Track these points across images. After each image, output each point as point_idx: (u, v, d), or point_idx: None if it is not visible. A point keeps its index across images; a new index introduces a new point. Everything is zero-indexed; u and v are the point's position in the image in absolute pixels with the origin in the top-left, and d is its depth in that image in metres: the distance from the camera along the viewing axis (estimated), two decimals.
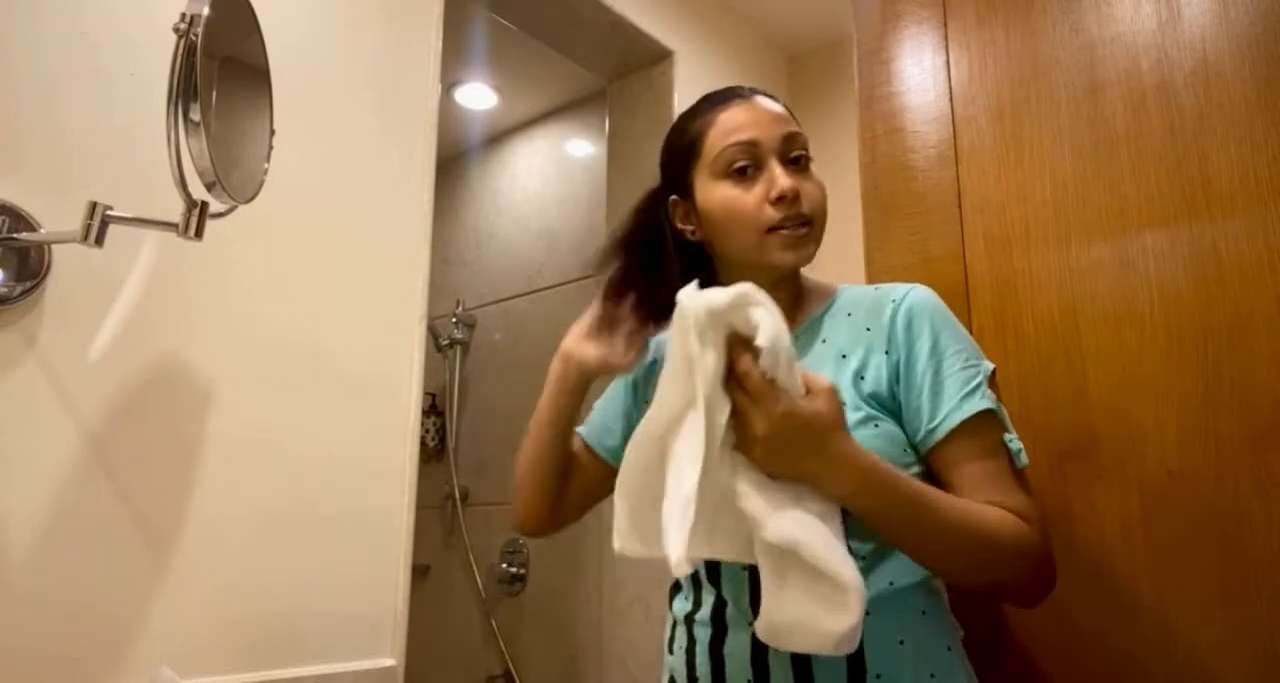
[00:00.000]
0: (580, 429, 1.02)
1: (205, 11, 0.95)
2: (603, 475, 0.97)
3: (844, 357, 0.85)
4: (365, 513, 1.38)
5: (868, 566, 0.78)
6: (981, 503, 0.76)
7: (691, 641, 0.84)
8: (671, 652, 0.88)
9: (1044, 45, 1.11)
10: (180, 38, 0.94)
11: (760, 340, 0.65)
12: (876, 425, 0.80)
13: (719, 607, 0.83)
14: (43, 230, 1.06)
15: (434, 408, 2.87)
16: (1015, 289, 1.07)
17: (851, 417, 0.78)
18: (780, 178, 0.84)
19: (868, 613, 0.76)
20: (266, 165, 1.14)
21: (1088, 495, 0.98)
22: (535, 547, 2.56)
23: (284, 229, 1.34)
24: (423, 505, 1.51)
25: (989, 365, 0.83)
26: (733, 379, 0.68)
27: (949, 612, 0.83)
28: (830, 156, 2.25)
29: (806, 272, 0.94)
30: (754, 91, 0.91)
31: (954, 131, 1.16)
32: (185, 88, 0.93)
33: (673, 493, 0.66)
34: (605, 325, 0.92)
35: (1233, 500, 0.89)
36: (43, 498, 1.05)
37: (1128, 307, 0.99)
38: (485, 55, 2.58)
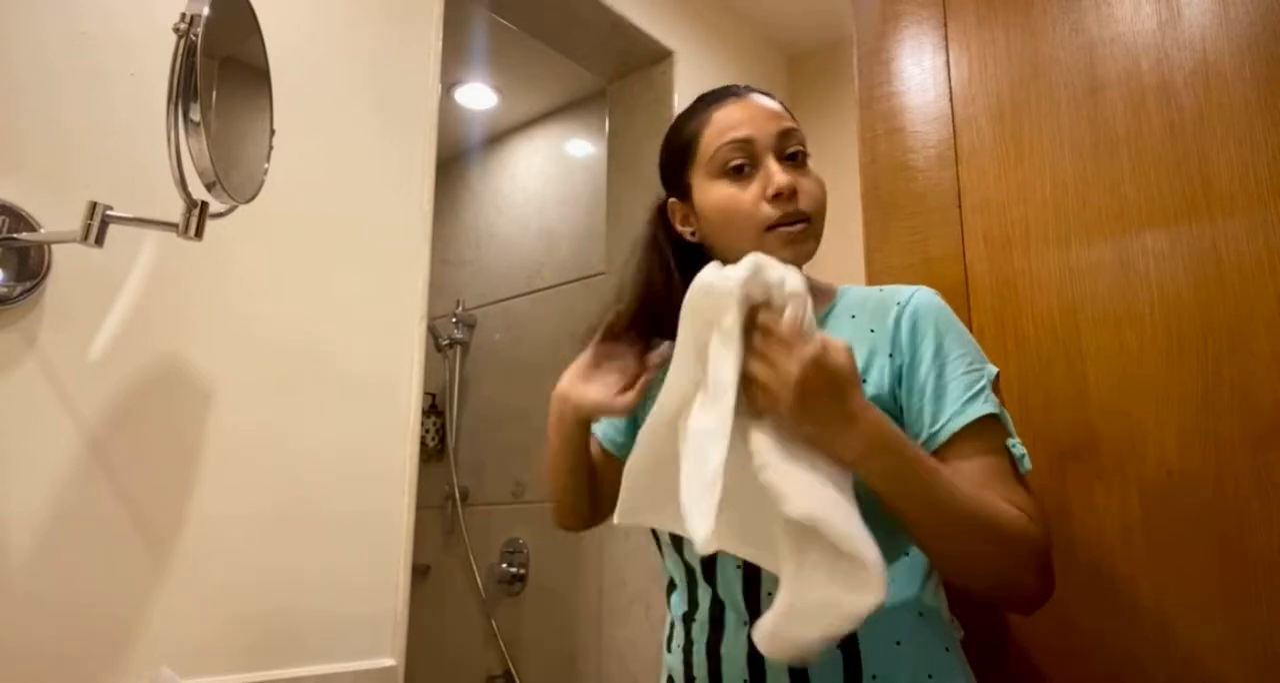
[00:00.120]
0: (595, 429, 1.02)
1: (205, 11, 0.95)
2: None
3: None
4: (365, 513, 1.38)
5: None
6: None
7: (689, 640, 0.85)
8: (670, 651, 0.88)
9: (1044, 45, 1.11)
10: (180, 38, 0.94)
11: (789, 288, 0.67)
12: None
13: (716, 607, 0.83)
14: (43, 230, 1.06)
15: (434, 408, 2.87)
16: (1015, 289, 1.07)
17: None
18: (776, 175, 0.84)
19: None
20: (266, 165, 1.14)
21: (1088, 495, 0.98)
22: (535, 547, 2.56)
23: (284, 229, 1.34)
24: (423, 506, 1.51)
25: (993, 370, 0.82)
26: (751, 342, 0.68)
27: (948, 613, 0.83)
28: (830, 156, 2.25)
29: (807, 270, 0.94)
30: (749, 89, 0.91)
31: (954, 131, 1.16)
32: (185, 88, 0.93)
33: (695, 469, 0.65)
34: (601, 363, 0.90)
35: (1233, 500, 0.89)
36: (43, 498, 1.05)
37: (1128, 307, 0.99)
38: (485, 55, 2.58)
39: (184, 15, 0.95)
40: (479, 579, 2.62)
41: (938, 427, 0.78)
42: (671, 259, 0.91)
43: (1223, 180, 0.96)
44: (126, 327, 1.14)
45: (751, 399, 0.68)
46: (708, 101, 0.91)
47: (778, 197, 0.83)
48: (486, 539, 2.66)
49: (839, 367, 0.67)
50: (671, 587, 0.91)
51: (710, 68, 2.33)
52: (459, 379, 2.89)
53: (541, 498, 2.54)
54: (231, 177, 1.01)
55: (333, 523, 1.33)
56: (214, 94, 0.98)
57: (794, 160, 0.87)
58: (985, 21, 1.17)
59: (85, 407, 1.10)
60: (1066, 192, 1.06)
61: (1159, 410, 0.95)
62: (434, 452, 2.82)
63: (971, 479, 0.76)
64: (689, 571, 0.86)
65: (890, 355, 0.82)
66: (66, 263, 1.09)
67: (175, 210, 1.00)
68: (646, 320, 0.91)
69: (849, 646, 0.76)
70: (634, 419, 0.97)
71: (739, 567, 0.80)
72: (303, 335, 1.35)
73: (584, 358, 0.91)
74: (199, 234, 1.00)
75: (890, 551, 0.75)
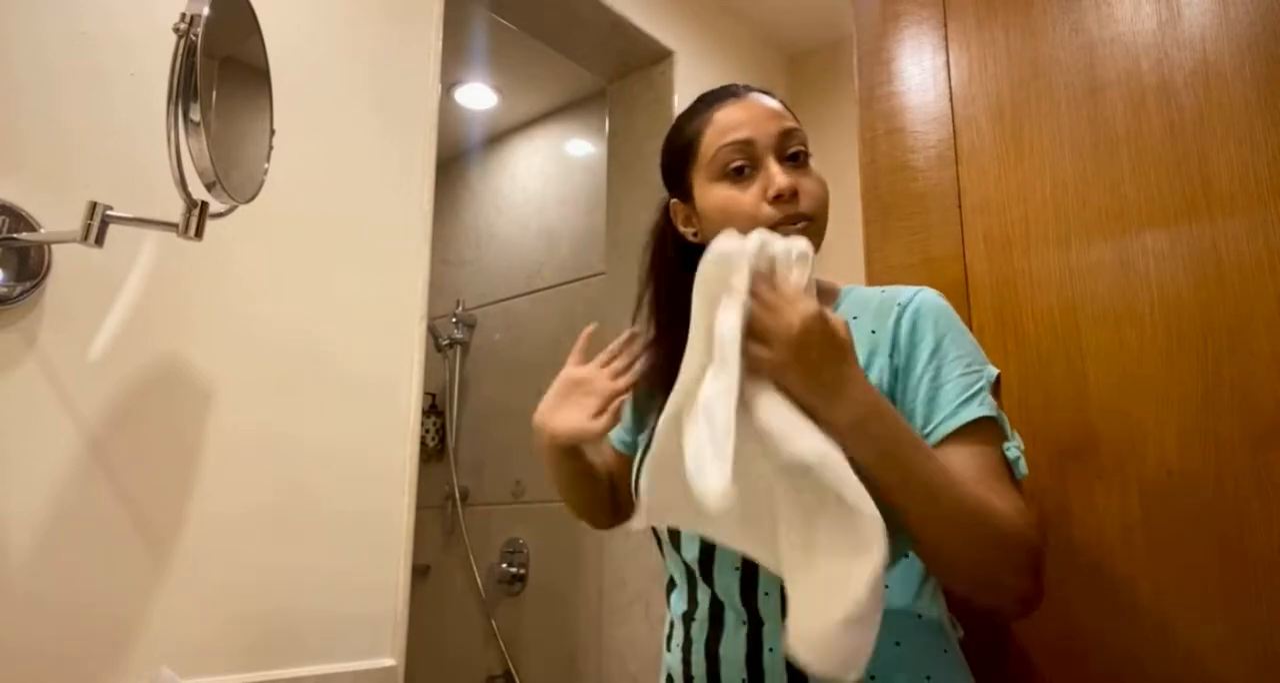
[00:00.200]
0: (622, 434, 1.03)
1: (205, 11, 0.95)
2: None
3: None
4: (365, 513, 1.38)
5: None
6: None
7: (688, 640, 0.85)
8: (669, 650, 0.88)
9: (1044, 45, 1.11)
10: (180, 38, 0.94)
11: (796, 253, 0.69)
12: None
13: (715, 606, 0.83)
14: (43, 230, 1.06)
15: (434, 408, 2.87)
16: (1015, 289, 1.07)
17: None
18: (777, 176, 0.83)
19: None
20: (266, 165, 1.14)
21: (1088, 495, 0.98)
22: (535, 547, 2.56)
23: (284, 229, 1.34)
24: (423, 505, 1.51)
25: (992, 371, 0.81)
26: (757, 299, 0.68)
27: (947, 614, 0.83)
28: (830, 156, 2.25)
29: None
30: (749, 89, 0.91)
31: (954, 131, 1.16)
32: (185, 88, 0.93)
33: (704, 428, 0.64)
34: (572, 389, 0.91)
35: (1233, 500, 0.89)
36: (43, 498, 1.05)
37: (1128, 306, 0.99)
38: (485, 55, 2.58)
39: (184, 15, 0.95)
40: (479, 579, 2.62)
41: (930, 428, 0.77)
42: (676, 259, 0.92)
43: (1223, 180, 0.96)
44: (126, 327, 1.14)
45: (751, 355, 0.68)
46: (708, 102, 0.90)
47: (778, 198, 0.83)
48: (486, 539, 2.66)
49: (839, 331, 0.69)
50: (671, 586, 0.91)
51: (710, 68, 2.33)
52: (459, 379, 2.89)
53: (541, 498, 2.54)
54: (231, 177, 1.01)
55: (333, 523, 1.33)
56: (214, 94, 0.98)
57: (795, 161, 0.86)
58: (985, 22, 1.17)
59: (85, 407, 1.10)
60: (1066, 192, 1.06)
61: (1159, 410, 0.95)
62: (434, 452, 2.82)
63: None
64: (688, 570, 0.86)
65: (890, 356, 0.82)
66: (66, 263, 1.09)
67: (175, 210, 1.00)
68: (658, 320, 0.91)
69: None
70: (642, 419, 0.97)
71: (737, 568, 0.80)
72: (303, 335, 1.35)
73: (555, 386, 0.93)
74: (199, 234, 1.00)
75: (892, 550, 0.75)
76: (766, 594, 0.79)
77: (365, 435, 1.41)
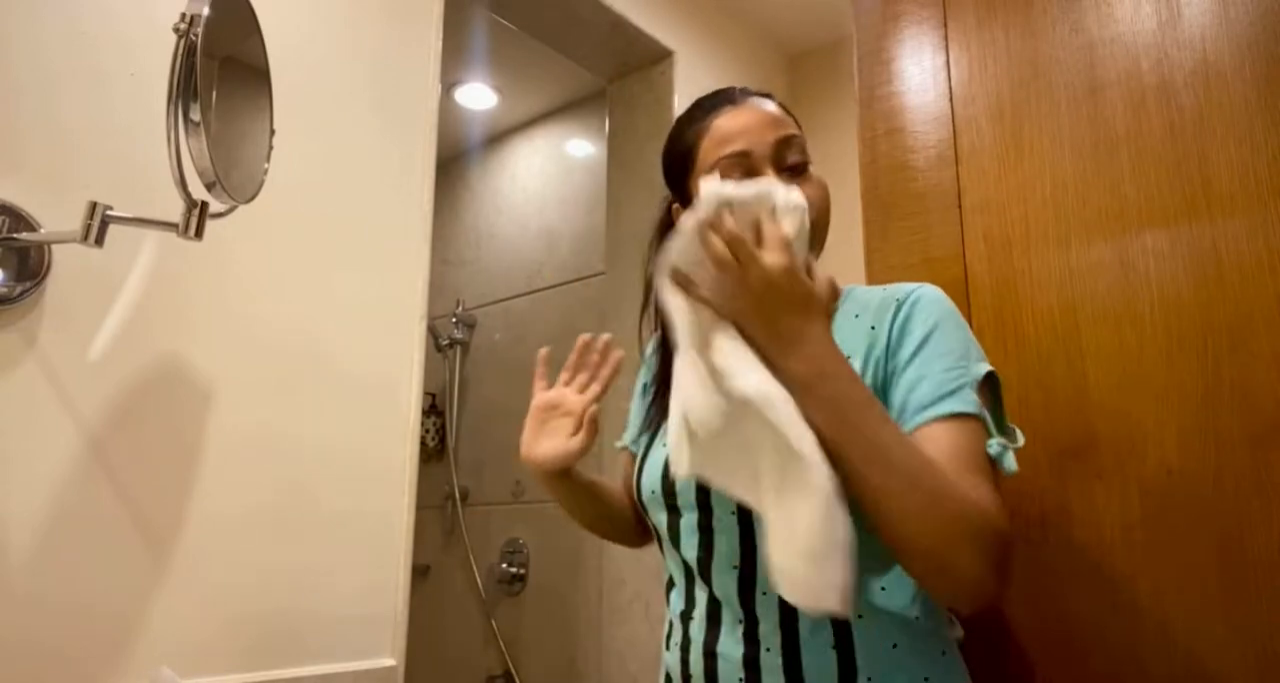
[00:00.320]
0: (621, 441, 1.04)
1: (205, 11, 0.95)
2: None
3: (849, 358, 0.83)
4: (365, 513, 1.38)
5: (863, 567, 0.77)
6: None
7: (686, 639, 0.85)
8: (668, 649, 0.88)
9: (1044, 45, 1.11)
10: (180, 38, 0.94)
11: (783, 204, 0.72)
12: None
13: (713, 606, 0.83)
14: (43, 230, 1.06)
15: (434, 408, 2.87)
16: (1015, 289, 1.07)
17: None
18: None
19: (860, 616, 0.76)
20: (266, 165, 1.14)
21: (1088, 495, 0.98)
22: (535, 547, 2.56)
23: (284, 229, 1.34)
24: (423, 505, 1.51)
25: (981, 369, 0.78)
26: (732, 247, 0.71)
27: (946, 614, 0.83)
28: (830, 156, 2.25)
29: None
30: (746, 93, 0.89)
31: (954, 131, 1.16)
32: (185, 88, 0.93)
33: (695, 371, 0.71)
34: (546, 417, 0.94)
35: (1233, 500, 0.89)
36: (43, 498, 1.05)
37: (1128, 306, 0.99)
38: (485, 55, 2.58)
39: (184, 15, 0.95)
40: (479, 579, 2.62)
41: (907, 419, 0.76)
42: None
43: (1223, 180, 0.96)
44: (126, 327, 1.14)
45: (720, 302, 0.72)
46: (705, 109, 0.89)
47: None
48: (486, 539, 2.66)
49: (804, 286, 0.71)
50: (670, 585, 0.91)
51: (710, 68, 2.33)
52: (459, 379, 2.89)
53: (541, 498, 2.54)
54: (231, 177, 1.01)
55: (333, 523, 1.33)
56: (214, 94, 0.98)
57: (794, 171, 0.84)
58: (985, 22, 1.17)
59: (85, 407, 1.10)
60: (1066, 192, 1.06)
61: (1159, 410, 0.95)
62: (434, 452, 2.82)
63: None
64: (687, 569, 0.86)
65: (885, 350, 0.81)
66: (66, 263, 1.09)
67: (175, 210, 1.00)
68: (665, 319, 0.92)
69: (844, 648, 0.76)
70: (647, 417, 0.97)
71: (735, 566, 0.80)
72: (303, 335, 1.35)
73: (529, 417, 0.95)
74: (199, 234, 1.00)
75: (887, 553, 0.74)
76: (764, 594, 0.79)
77: (365, 435, 1.41)
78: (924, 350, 0.79)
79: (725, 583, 0.81)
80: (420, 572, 2.74)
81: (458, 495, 2.71)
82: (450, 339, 2.90)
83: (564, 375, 0.97)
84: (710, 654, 0.81)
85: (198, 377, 1.21)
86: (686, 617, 0.86)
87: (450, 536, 2.73)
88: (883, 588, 0.77)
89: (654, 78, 2.27)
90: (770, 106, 0.88)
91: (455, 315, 2.93)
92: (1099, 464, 0.98)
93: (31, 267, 1.07)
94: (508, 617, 2.55)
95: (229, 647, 1.19)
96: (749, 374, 0.70)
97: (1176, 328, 0.96)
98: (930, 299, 0.83)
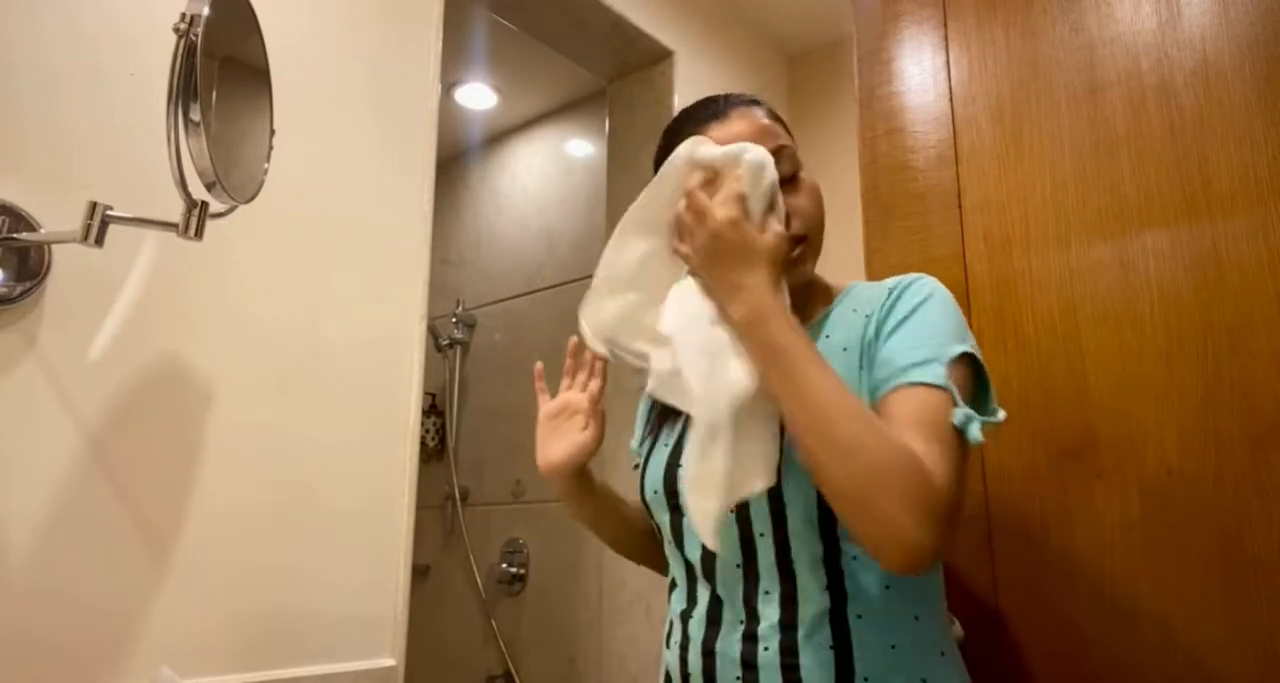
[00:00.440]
0: (631, 444, 1.04)
1: (205, 11, 0.95)
2: None
3: (845, 350, 0.82)
4: (365, 513, 1.38)
5: (862, 568, 0.77)
6: None
7: (686, 638, 0.85)
8: (668, 648, 0.88)
9: (1044, 45, 1.11)
10: (180, 38, 0.94)
11: (744, 161, 0.76)
12: None
13: (714, 605, 0.83)
14: (43, 230, 1.06)
15: (434, 408, 2.87)
16: (1015, 289, 1.07)
17: None
18: None
19: (859, 616, 0.76)
20: (266, 165, 1.14)
21: (1088, 495, 0.98)
22: (535, 547, 2.56)
23: (284, 229, 1.34)
24: (423, 505, 1.51)
25: (956, 349, 0.76)
26: (690, 201, 0.78)
27: (945, 615, 0.83)
28: (830, 157, 2.26)
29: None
30: (732, 103, 0.86)
31: (954, 131, 1.16)
32: (185, 88, 0.93)
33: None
34: (556, 422, 0.95)
35: (1233, 500, 0.90)
36: (43, 498, 1.05)
37: (1128, 306, 0.99)
38: (485, 55, 2.58)
39: (184, 15, 0.94)
40: (479, 579, 2.62)
41: (877, 394, 0.76)
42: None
43: (1223, 180, 0.96)
44: (126, 327, 1.14)
45: (680, 253, 0.79)
46: (693, 121, 0.87)
47: None
48: (486, 539, 2.66)
49: (757, 239, 0.75)
50: (673, 586, 0.91)
51: (710, 68, 2.33)
52: (459, 379, 2.89)
53: (541, 498, 2.54)
54: (231, 177, 1.01)
55: (333, 523, 1.33)
56: (214, 94, 0.98)
57: (784, 183, 0.82)
58: (985, 21, 1.17)
59: (85, 407, 1.10)
60: (1066, 192, 1.06)
61: (1159, 410, 0.95)
62: (434, 452, 2.82)
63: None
64: (689, 568, 0.86)
65: (875, 333, 0.81)
66: (66, 263, 1.09)
67: (175, 210, 1.00)
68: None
69: (842, 647, 0.76)
70: (649, 421, 0.97)
71: (738, 565, 0.80)
72: (303, 335, 1.35)
73: (539, 429, 0.96)
74: (199, 234, 1.00)
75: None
76: (767, 593, 0.79)
77: (365, 435, 1.41)
78: (903, 327, 0.79)
79: (729, 583, 0.81)
80: (420, 572, 2.74)
81: (458, 495, 2.71)
82: (450, 339, 2.90)
83: (564, 381, 0.97)
84: (709, 653, 0.81)
85: (198, 377, 1.21)
86: (686, 616, 0.86)
87: (450, 535, 2.73)
88: (887, 587, 0.77)
89: (654, 78, 2.26)
90: (758, 115, 0.86)
91: (455, 315, 2.93)
92: (1099, 464, 0.98)
93: (31, 267, 1.07)
94: (508, 617, 2.55)
95: (229, 646, 1.19)
96: (674, 316, 0.78)
97: (1176, 328, 0.96)
98: (921, 284, 0.83)
